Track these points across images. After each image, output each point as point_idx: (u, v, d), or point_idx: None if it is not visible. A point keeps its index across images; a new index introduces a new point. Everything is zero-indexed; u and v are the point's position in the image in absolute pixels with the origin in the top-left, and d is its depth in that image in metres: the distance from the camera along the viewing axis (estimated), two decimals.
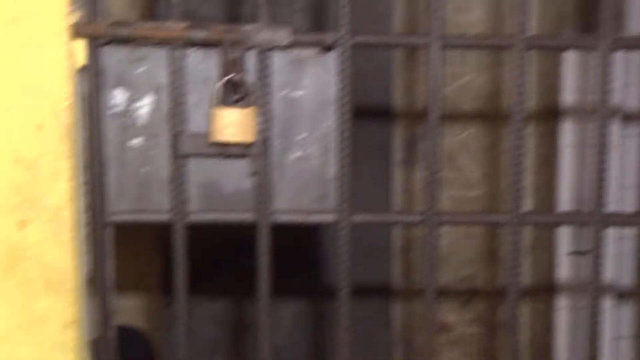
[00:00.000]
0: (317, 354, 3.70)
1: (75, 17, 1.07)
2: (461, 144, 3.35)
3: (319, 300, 3.65)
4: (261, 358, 1.15)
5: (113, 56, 1.13)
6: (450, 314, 3.54)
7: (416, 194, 3.40)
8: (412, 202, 3.41)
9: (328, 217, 1.16)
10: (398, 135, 3.48)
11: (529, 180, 3.15)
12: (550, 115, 3.10)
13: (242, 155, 1.15)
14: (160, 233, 3.32)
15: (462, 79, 3.27)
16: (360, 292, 3.48)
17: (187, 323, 1.14)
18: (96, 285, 1.12)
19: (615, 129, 2.80)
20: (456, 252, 3.48)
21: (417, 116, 3.41)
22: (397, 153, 3.48)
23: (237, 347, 3.68)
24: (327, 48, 1.14)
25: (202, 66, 1.14)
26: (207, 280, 3.62)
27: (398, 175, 3.48)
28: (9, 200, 1.06)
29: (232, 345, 3.69)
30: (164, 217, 1.15)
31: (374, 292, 3.60)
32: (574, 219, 1.38)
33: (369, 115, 3.48)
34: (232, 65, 1.11)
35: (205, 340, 3.68)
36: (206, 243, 3.44)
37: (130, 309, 3.36)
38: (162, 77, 1.14)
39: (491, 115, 3.36)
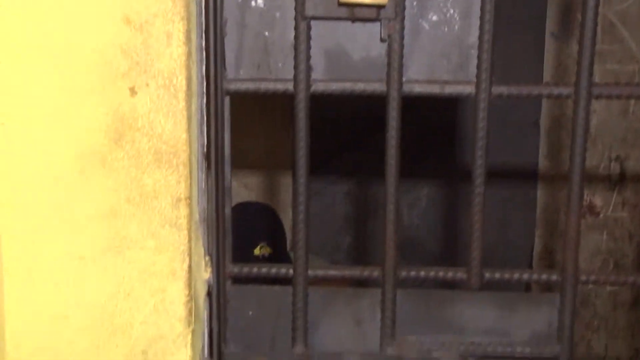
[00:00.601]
0: (452, 234, 3.62)
1: None
2: (622, 14, 3.12)
3: (456, 180, 3.53)
4: (387, 235, 1.05)
5: None
6: (597, 196, 3.39)
7: (570, 69, 3.21)
8: (565, 77, 3.22)
9: (467, 89, 1.03)
10: (553, 3, 3.27)
11: None
12: None
13: (373, 19, 1.02)
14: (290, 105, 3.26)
15: None
16: (503, 171, 3.38)
17: (307, 202, 1.05)
18: (212, 160, 1.04)
19: None
20: (608, 131, 3.31)
21: None
22: (551, 24, 3.28)
23: (372, 224, 3.63)
24: None
25: None
26: (341, 157, 3.56)
27: (551, 48, 3.29)
28: (118, 65, 0.98)
29: (366, 222, 3.65)
30: (286, 86, 1.05)
31: (517, 172, 3.46)
32: None
33: None
34: None
35: (338, 217, 3.65)
36: (341, 116, 3.37)
37: (261, 185, 3.35)
38: None
39: None
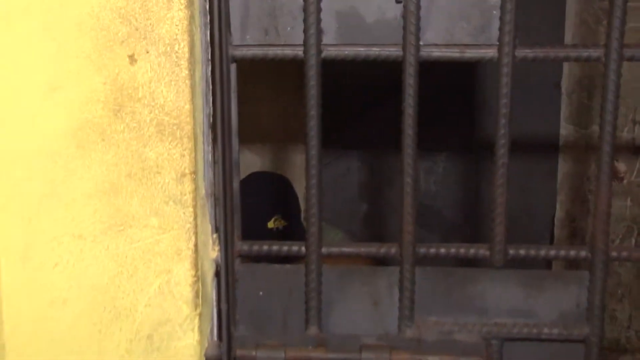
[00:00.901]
0: (471, 201, 3.55)
1: None
2: None
3: (474, 145, 3.46)
4: (404, 210, 0.99)
5: None
6: (621, 161, 3.31)
7: (594, 28, 3.11)
8: (589, 37, 3.13)
9: (489, 53, 0.97)
10: None
11: None
12: None
13: None
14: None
15: None
16: (523, 136, 3.30)
17: (320, 173, 0.99)
18: (218, 131, 0.98)
19: None
20: (631, 93, 3.22)
21: None
22: None
23: (388, 193, 3.57)
24: None
25: None
26: (355, 125, 3.50)
27: (572, 5, 3.19)
28: (116, 31, 0.92)
29: (382, 190, 3.59)
30: (295, 51, 0.98)
31: (538, 136, 3.38)
32: None
33: None
34: None
35: (354, 186, 3.59)
36: (354, 82, 3.30)
37: (275, 156, 3.29)
38: None
39: None
